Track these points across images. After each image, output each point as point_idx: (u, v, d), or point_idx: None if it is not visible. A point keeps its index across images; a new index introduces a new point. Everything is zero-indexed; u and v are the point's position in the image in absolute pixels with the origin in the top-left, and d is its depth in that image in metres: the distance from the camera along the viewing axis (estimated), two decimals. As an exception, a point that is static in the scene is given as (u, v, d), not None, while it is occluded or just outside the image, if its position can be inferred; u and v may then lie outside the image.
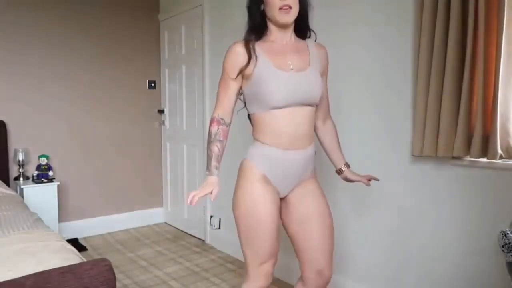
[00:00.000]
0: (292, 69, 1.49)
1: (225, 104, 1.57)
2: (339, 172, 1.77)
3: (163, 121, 4.20)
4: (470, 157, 1.78)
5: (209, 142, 1.55)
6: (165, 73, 4.14)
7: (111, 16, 3.86)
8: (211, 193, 1.46)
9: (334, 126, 1.76)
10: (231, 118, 1.61)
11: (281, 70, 1.47)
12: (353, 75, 2.32)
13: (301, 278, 1.67)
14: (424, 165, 2.01)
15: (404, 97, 2.07)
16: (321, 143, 1.76)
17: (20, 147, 3.37)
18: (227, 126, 1.58)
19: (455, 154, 1.79)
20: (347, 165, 1.76)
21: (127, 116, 4.01)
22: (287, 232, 1.68)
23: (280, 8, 1.43)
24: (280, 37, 1.53)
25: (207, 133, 1.58)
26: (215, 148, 1.53)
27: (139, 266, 3.10)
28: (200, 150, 3.63)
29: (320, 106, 1.65)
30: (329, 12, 2.41)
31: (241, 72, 1.50)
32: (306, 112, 1.52)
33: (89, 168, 3.80)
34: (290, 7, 1.44)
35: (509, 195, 1.70)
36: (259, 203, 1.52)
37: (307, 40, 1.61)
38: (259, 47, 1.51)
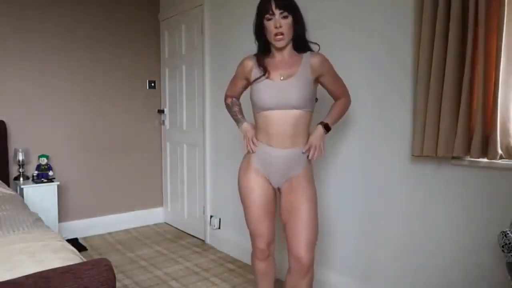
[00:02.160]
0: (282, 79, 1.78)
1: (233, 90, 2.04)
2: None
3: (163, 121, 4.20)
4: (470, 157, 1.78)
5: (231, 108, 2.04)
6: (165, 73, 4.14)
7: (111, 16, 3.86)
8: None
9: (344, 101, 1.95)
10: (239, 98, 2.07)
11: (271, 80, 1.80)
12: (353, 75, 2.32)
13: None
14: (424, 165, 2.01)
15: (404, 97, 2.07)
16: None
17: (20, 147, 3.37)
18: (236, 98, 2.06)
19: (455, 154, 1.79)
20: (323, 124, 1.87)
21: (127, 116, 4.01)
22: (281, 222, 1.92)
23: (275, 35, 1.75)
24: (278, 54, 1.85)
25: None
26: (237, 108, 2.02)
27: (139, 266, 3.10)
28: (200, 150, 3.63)
29: (330, 93, 1.95)
30: (330, 12, 2.42)
31: (245, 78, 1.92)
32: (292, 114, 1.78)
33: (89, 168, 3.80)
34: (283, 34, 1.74)
35: (509, 195, 1.70)
36: (249, 189, 1.89)
37: (305, 53, 1.84)
38: (265, 61, 1.86)
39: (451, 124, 1.79)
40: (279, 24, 1.72)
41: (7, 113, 3.36)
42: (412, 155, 1.99)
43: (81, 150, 3.76)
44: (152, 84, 4.17)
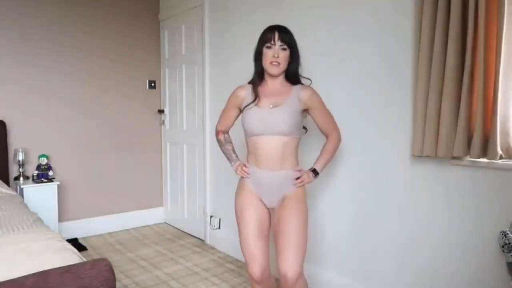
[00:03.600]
0: (271, 107, 1.87)
1: (226, 121, 2.08)
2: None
3: (163, 121, 4.20)
4: (470, 157, 1.78)
5: (222, 145, 2.10)
6: (165, 73, 4.14)
7: (111, 16, 3.86)
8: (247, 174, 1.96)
9: (333, 141, 1.98)
10: (229, 129, 2.14)
11: (260, 108, 1.89)
12: (353, 75, 2.32)
13: None
14: (424, 165, 2.01)
15: (404, 97, 2.07)
16: None
17: (20, 147, 3.37)
18: (228, 134, 2.13)
19: (455, 154, 1.79)
20: (313, 170, 1.95)
21: (127, 116, 4.01)
22: None
23: (271, 62, 1.85)
24: (271, 83, 1.94)
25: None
26: (230, 146, 2.09)
27: (139, 266, 3.10)
28: (200, 150, 3.63)
29: (321, 130, 2.00)
30: (329, 12, 2.42)
31: (237, 107, 2.00)
32: (280, 140, 1.86)
33: (89, 168, 3.80)
34: (279, 63, 1.85)
35: (509, 195, 1.70)
36: (242, 209, 1.95)
37: (296, 85, 1.94)
38: (258, 88, 1.95)
39: (451, 124, 1.79)
40: (277, 54, 1.84)
41: (7, 113, 3.35)
42: (412, 155, 1.99)
43: (81, 150, 3.76)
44: (152, 84, 4.17)
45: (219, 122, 2.11)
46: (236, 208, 1.99)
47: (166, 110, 4.16)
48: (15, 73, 3.40)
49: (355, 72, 2.31)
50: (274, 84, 1.94)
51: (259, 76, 1.96)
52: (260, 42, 1.90)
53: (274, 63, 1.85)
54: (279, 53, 1.84)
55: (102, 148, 3.87)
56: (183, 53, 3.83)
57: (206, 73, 3.48)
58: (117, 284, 2.67)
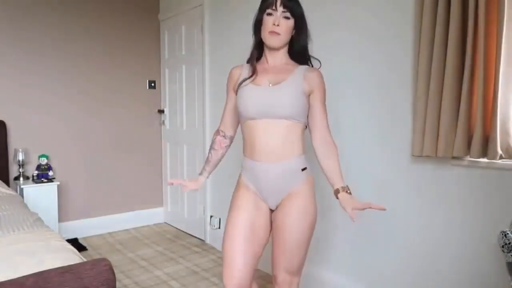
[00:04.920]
0: (270, 85, 1.59)
1: (225, 119, 1.79)
2: (336, 192, 1.59)
3: (163, 121, 4.20)
4: (470, 157, 1.78)
5: (210, 147, 1.81)
6: (165, 73, 4.14)
7: (111, 16, 3.86)
8: (195, 189, 1.77)
9: (334, 148, 1.64)
10: (234, 131, 1.82)
11: (257, 86, 1.60)
12: (353, 75, 2.32)
13: None
14: (424, 165, 2.01)
15: (404, 97, 2.07)
16: (321, 167, 1.65)
17: (20, 147, 3.37)
18: (225, 138, 1.79)
19: (455, 154, 1.79)
20: (346, 189, 1.57)
21: (127, 116, 4.01)
22: None
23: (270, 32, 1.57)
24: (271, 58, 1.66)
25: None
26: (209, 155, 1.80)
27: (139, 266, 3.10)
28: (200, 150, 3.63)
29: (313, 127, 1.64)
30: (330, 12, 2.42)
31: (235, 90, 1.69)
32: (280, 124, 1.56)
33: (89, 168, 3.80)
34: (279, 33, 1.56)
35: (509, 195, 1.70)
36: (233, 208, 1.66)
37: (302, 66, 1.66)
38: (255, 64, 1.67)
39: (451, 124, 1.79)
40: (277, 22, 1.55)
41: (7, 113, 3.36)
42: (412, 155, 1.99)
43: (81, 150, 3.76)
44: (152, 84, 4.18)
45: (220, 120, 1.81)
46: (230, 204, 1.70)
47: (166, 110, 4.16)
48: (15, 73, 3.39)
49: (355, 72, 2.31)
50: (275, 59, 1.65)
51: (257, 49, 1.67)
52: (261, 9, 1.61)
53: (274, 32, 1.56)
54: (280, 22, 1.55)
55: (102, 148, 3.87)
56: (183, 53, 3.83)
57: (206, 73, 3.48)
58: (117, 284, 2.67)
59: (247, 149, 1.65)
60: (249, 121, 1.60)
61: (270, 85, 1.58)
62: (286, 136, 1.58)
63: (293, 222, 1.59)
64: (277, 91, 1.57)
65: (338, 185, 1.59)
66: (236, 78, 1.68)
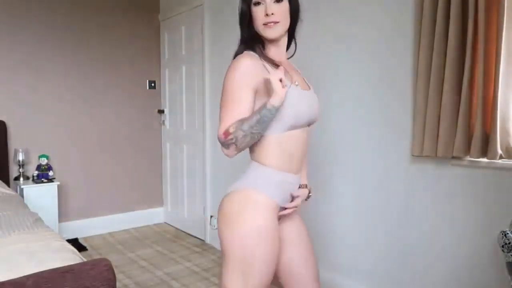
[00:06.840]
0: (297, 85, 1.34)
1: (241, 116, 1.29)
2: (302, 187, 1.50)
3: (163, 121, 4.20)
4: (470, 157, 1.78)
5: (241, 124, 1.25)
6: (165, 73, 4.14)
7: (111, 16, 3.86)
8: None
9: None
10: None
11: (303, 89, 1.36)
12: (353, 75, 2.32)
13: None
14: (424, 165, 2.01)
15: (404, 97, 2.07)
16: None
17: (20, 147, 3.37)
18: None
19: (455, 154, 1.79)
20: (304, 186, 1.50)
21: (127, 116, 4.01)
22: None
23: (265, 24, 1.31)
24: (277, 54, 1.38)
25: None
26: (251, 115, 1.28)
27: (139, 266, 3.10)
28: (200, 150, 3.63)
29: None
30: (329, 12, 2.42)
31: (256, 88, 1.30)
32: (306, 132, 1.41)
33: (89, 168, 3.81)
34: (276, 22, 1.31)
35: (509, 195, 1.70)
36: (260, 243, 1.31)
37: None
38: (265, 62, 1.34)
39: (451, 124, 1.79)
40: (270, 11, 1.29)
41: (7, 113, 3.36)
42: (412, 155, 1.99)
43: (81, 150, 3.76)
44: (152, 84, 4.18)
45: (226, 120, 1.28)
46: (247, 238, 1.34)
47: (166, 110, 4.16)
48: (16, 73, 3.40)
49: (354, 72, 2.31)
50: (281, 54, 1.39)
51: (255, 40, 1.35)
52: (244, 1, 1.34)
53: (270, 23, 1.30)
54: (273, 9, 1.28)
55: (102, 148, 3.87)
56: (183, 53, 3.83)
57: (206, 73, 3.48)
58: (118, 284, 2.67)
59: (279, 160, 1.33)
60: (289, 131, 1.32)
61: (297, 84, 1.33)
62: (306, 146, 1.45)
63: (304, 227, 1.52)
64: (315, 95, 1.41)
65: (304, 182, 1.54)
66: (260, 72, 1.28)
